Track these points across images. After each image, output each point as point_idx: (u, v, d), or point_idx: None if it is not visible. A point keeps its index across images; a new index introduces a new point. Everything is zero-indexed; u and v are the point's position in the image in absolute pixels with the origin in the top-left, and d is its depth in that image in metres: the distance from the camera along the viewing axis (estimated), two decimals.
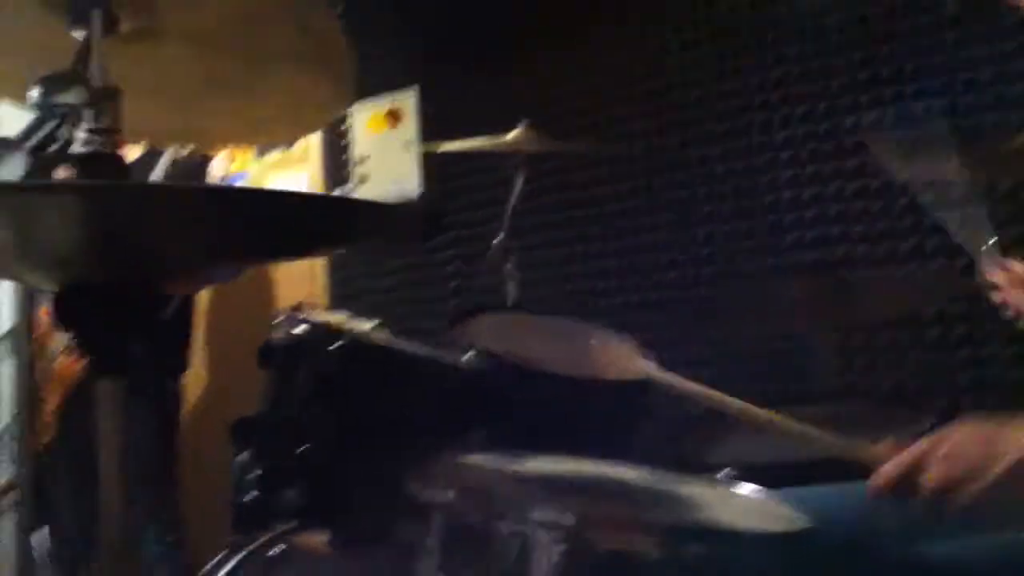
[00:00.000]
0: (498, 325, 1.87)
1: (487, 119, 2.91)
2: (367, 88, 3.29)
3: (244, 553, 1.49)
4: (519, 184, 2.08)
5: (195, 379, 3.22)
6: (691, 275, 2.54)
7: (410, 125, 3.17)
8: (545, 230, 2.74)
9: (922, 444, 0.94)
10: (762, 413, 1.12)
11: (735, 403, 1.18)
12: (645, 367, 1.77)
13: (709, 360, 2.41)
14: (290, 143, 3.28)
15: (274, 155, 3.63)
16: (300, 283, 3.45)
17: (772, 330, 1.93)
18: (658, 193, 2.63)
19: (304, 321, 1.38)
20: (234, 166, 3.75)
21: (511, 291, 2.23)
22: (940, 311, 2.05)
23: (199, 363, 3.20)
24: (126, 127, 1.38)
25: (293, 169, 3.56)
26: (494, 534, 0.95)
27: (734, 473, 1.41)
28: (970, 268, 1.89)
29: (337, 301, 3.39)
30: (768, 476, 1.41)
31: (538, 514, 0.93)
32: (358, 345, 1.32)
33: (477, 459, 1.21)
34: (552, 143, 1.90)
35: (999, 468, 0.87)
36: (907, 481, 0.92)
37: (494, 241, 2.23)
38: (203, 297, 3.01)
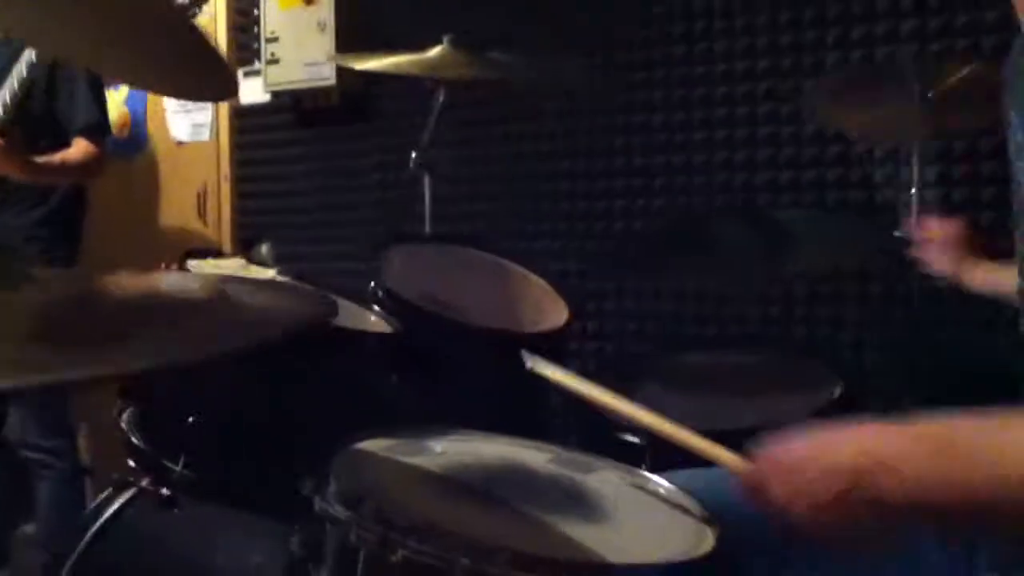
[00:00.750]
0: (414, 258, 1.78)
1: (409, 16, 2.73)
2: None
3: (134, 491, 1.42)
4: (439, 102, 1.93)
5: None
6: (612, 213, 2.46)
7: (325, 4, 2.93)
8: (465, 152, 2.60)
9: (770, 456, 0.88)
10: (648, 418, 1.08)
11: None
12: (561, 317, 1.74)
13: (631, 303, 2.39)
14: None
15: None
16: (203, 169, 3.26)
17: (697, 276, 1.88)
18: (585, 127, 2.51)
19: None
20: None
21: (427, 211, 2.12)
22: (861, 267, 2.04)
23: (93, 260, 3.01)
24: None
25: None
26: (386, 562, 0.89)
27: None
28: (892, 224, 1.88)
29: (246, 215, 3.22)
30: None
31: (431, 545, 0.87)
32: None
33: (377, 444, 1.14)
34: (474, 68, 1.74)
35: (832, 490, 0.80)
36: (759, 494, 0.88)
37: (412, 155, 2.10)
38: (95, 194, 2.80)
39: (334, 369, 1.27)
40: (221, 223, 3.25)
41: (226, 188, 3.24)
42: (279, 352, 1.22)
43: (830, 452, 0.83)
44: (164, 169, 3.34)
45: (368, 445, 1.13)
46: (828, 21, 2.21)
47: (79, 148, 2.55)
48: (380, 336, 1.34)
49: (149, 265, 3.09)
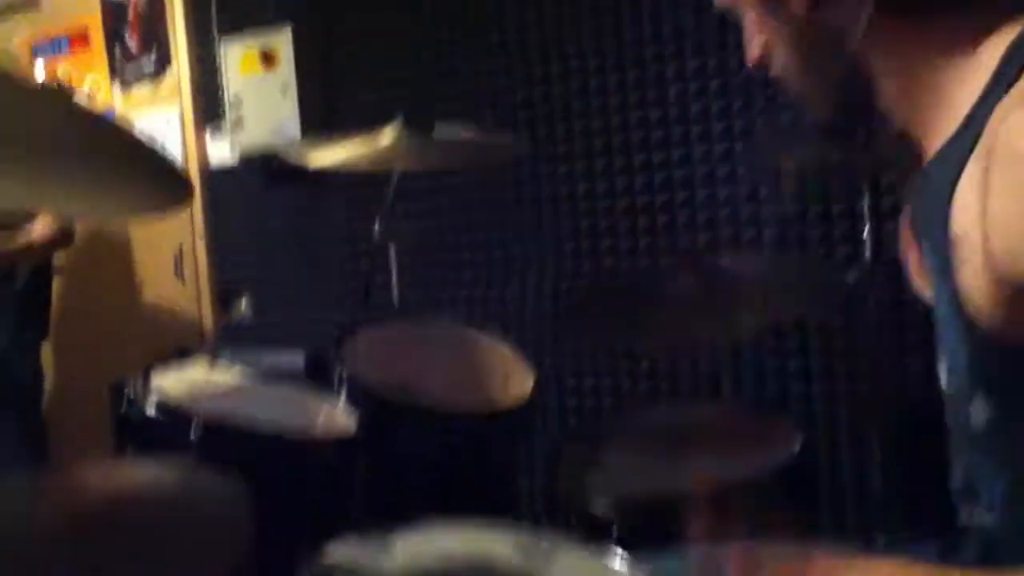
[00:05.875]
0: (379, 340, 1.81)
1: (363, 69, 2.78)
2: (234, 24, 3.06)
3: None
4: (395, 177, 1.97)
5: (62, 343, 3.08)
6: (572, 276, 2.51)
7: (286, 67, 2.97)
8: (427, 222, 2.65)
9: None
10: None
11: None
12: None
13: (592, 363, 2.44)
14: None
15: (141, 91, 3.37)
16: (177, 230, 3.28)
17: (656, 332, 1.92)
18: (540, 191, 2.56)
19: (157, 397, 1.28)
20: (99, 102, 3.47)
21: (394, 280, 2.16)
22: (824, 322, 2.08)
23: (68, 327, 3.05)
24: None
25: (162, 107, 3.32)
26: None
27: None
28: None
29: (223, 272, 3.25)
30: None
31: None
32: (213, 432, 1.24)
33: (344, 554, 1.18)
34: (424, 153, 1.78)
35: None
36: None
37: (375, 228, 2.13)
38: (70, 262, 2.84)
39: (299, 478, 1.30)
40: (199, 281, 3.28)
41: (201, 247, 3.27)
42: (240, 478, 1.25)
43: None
44: (138, 231, 3.36)
45: (335, 555, 1.17)
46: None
47: (44, 224, 2.58)
48: (343, 441, 1.37)
49: (129, 344, 3.11)
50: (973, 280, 0.76)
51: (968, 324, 0.80)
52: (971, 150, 0.74)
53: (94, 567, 0.68)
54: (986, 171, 0.72)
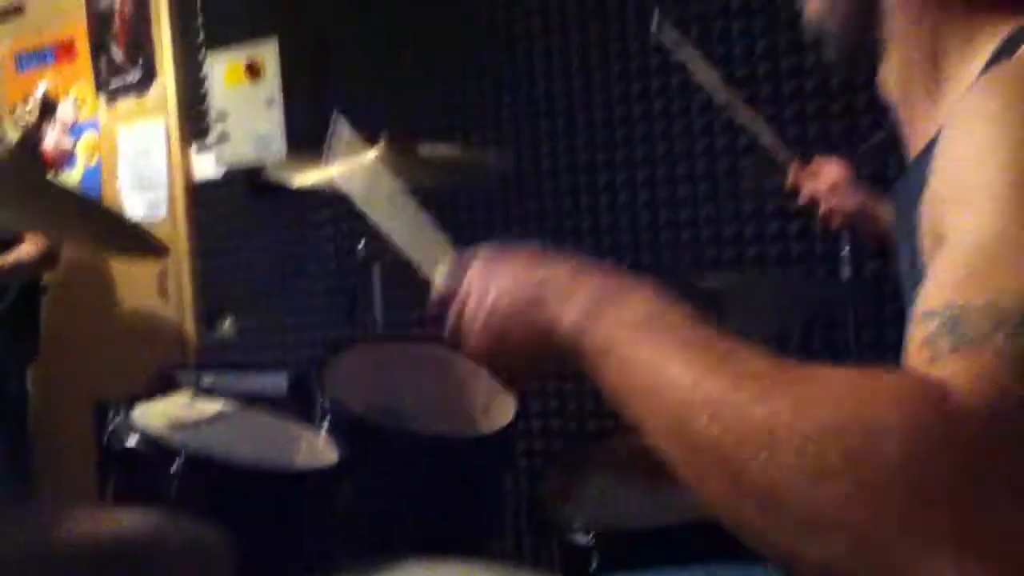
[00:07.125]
0: (361, 365, 1.81)
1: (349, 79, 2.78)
2: (221, 36, 3.06)
3: None
4: None
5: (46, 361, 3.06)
6: None
7: (272, 80, 2.97)
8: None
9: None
10: None
11: None
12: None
13: (575, 386, 2.44)
14: None
15: (127, 103, 3.36)
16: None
17: None
18: (524, 209, 2.57)
19: (138, 431, 1.29)
20: (83, 113, 3.46)
21: (378, 300, 2.17)
22: (807, 324, 2.10)
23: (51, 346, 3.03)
24: None
25: (148, 119, 3.31)
26: None
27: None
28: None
29: (207, 290, 3.24)
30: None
31: None
32: (194, 465, 1.24)
33: None
34: (410, 169, 1.78)
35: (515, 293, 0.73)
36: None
37: (359, 247, 2.14)
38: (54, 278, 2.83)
39: (280, 510, 1.31)
40: (183, 299, 3.27)
41: (185, 265, 3.26)
42: (222, 511, 1.26)
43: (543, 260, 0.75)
44: (105, 279, 3.36)
45: None
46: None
47: (32, 243, 2.58)
48: (323, 470, 1.38)
49: (112, 361, 3.11)
50: None
51: None
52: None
53: None
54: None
